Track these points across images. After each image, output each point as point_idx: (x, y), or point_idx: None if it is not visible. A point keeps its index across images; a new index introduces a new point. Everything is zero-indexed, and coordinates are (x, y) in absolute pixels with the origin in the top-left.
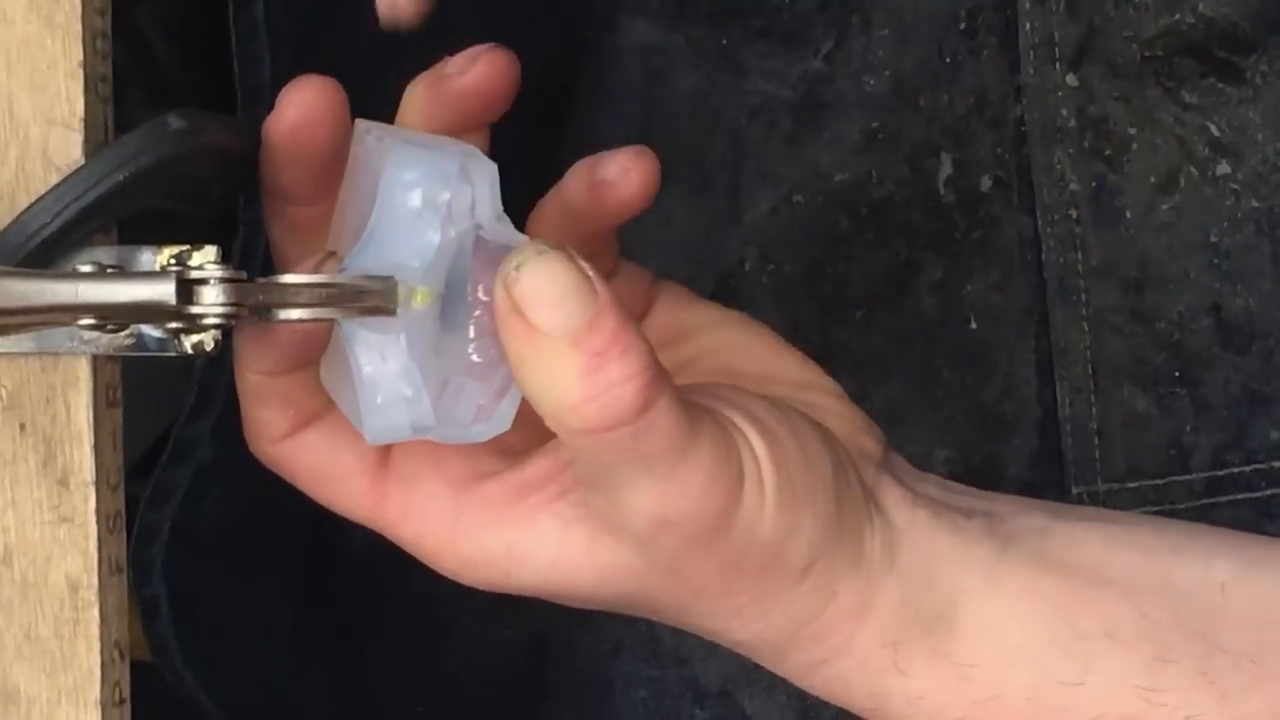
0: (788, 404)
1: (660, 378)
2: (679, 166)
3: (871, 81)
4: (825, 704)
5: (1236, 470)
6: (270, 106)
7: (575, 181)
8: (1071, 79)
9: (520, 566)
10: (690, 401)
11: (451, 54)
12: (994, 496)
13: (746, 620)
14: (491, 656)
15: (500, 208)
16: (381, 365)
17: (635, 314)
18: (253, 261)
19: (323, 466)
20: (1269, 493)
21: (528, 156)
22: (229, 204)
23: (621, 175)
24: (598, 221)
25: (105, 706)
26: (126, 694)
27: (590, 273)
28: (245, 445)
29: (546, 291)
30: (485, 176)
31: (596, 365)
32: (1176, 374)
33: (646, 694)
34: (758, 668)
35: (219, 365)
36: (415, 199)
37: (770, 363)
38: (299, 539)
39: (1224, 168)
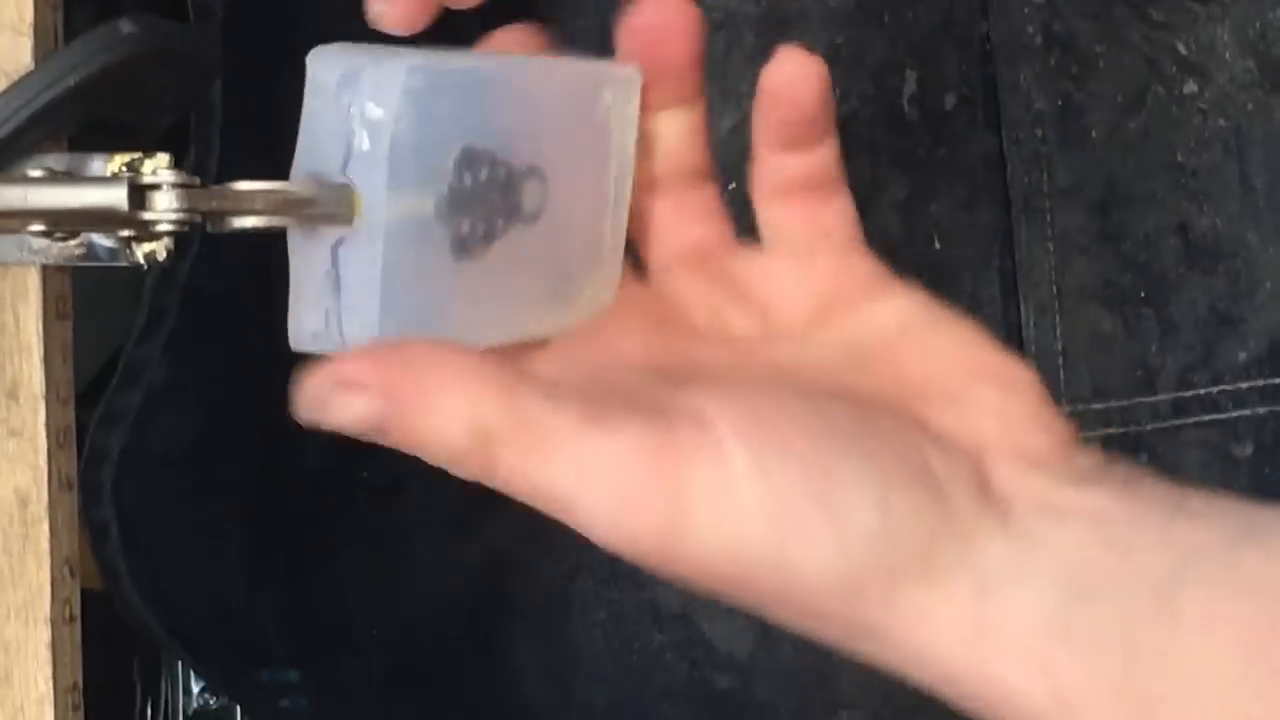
0: (839, 417)
1: (497, 434)
2: None
3: None
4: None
5: (1203, 391)
6: (220, 21)
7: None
8: None
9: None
10: (608, 420)
11: None
12: (1188, 493)
13: (816, 630)
14: (449, 577)
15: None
16: (306, 272)
17: (840, 299)
18: (205, 178)
19: None
20: (1236, 414)
21: None
22: (180, 114)
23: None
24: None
25: (55, 623)
26: (77, 612)
27: (384, 382)
28: (196, 366)
29: (354, 426)
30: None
31: (427, 453)
32: (1143, 294)
33: (605, 616)
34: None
35: (169, 285)
36: (327, 103)
37: (947, 361)
38: (251, 460)
39: (1191, 86)
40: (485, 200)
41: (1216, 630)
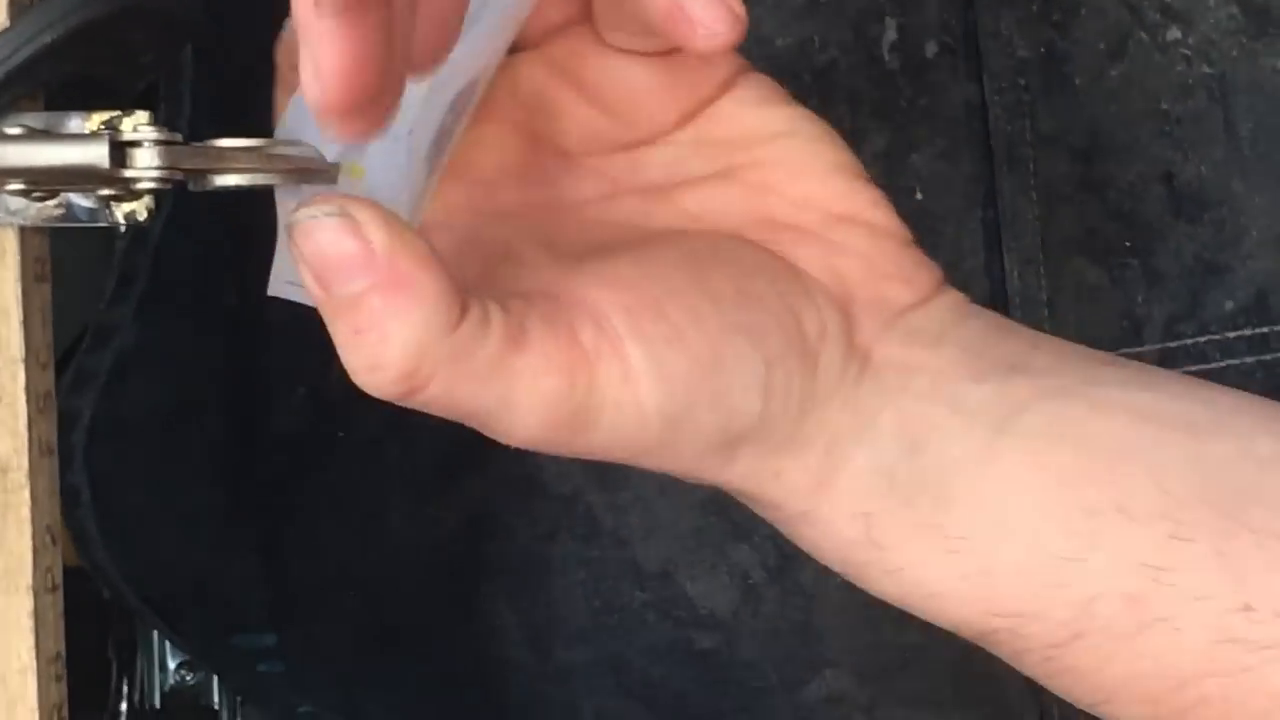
0: (714, 268)
1: (434, 362)
2: None
3: None
4: (768, 585)
5: (1190, 341)
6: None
7: None
8: None
9: None
10: (525, 337)
11: None
12: (1039, 343)
13: (687, 478)
14: (426, 539)
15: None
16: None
17: (700, 98)
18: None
19: None
20: (1223, 364)
21: None
22: (156, 72)
23: None
24: None
25: (38, 593)
26: (59, 580)
27: (378, 241)
28: (167, 328)
29: (317, 255)
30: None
31: (355, 343)
32: (1128, 244)
33: (585, 575)
34: (700, 547)
35: (140, 247)
36: None
37: (814, 188)
38: (224, 422)
39: (1174, 33)
40: (454, 120)
41: (1030, 473)
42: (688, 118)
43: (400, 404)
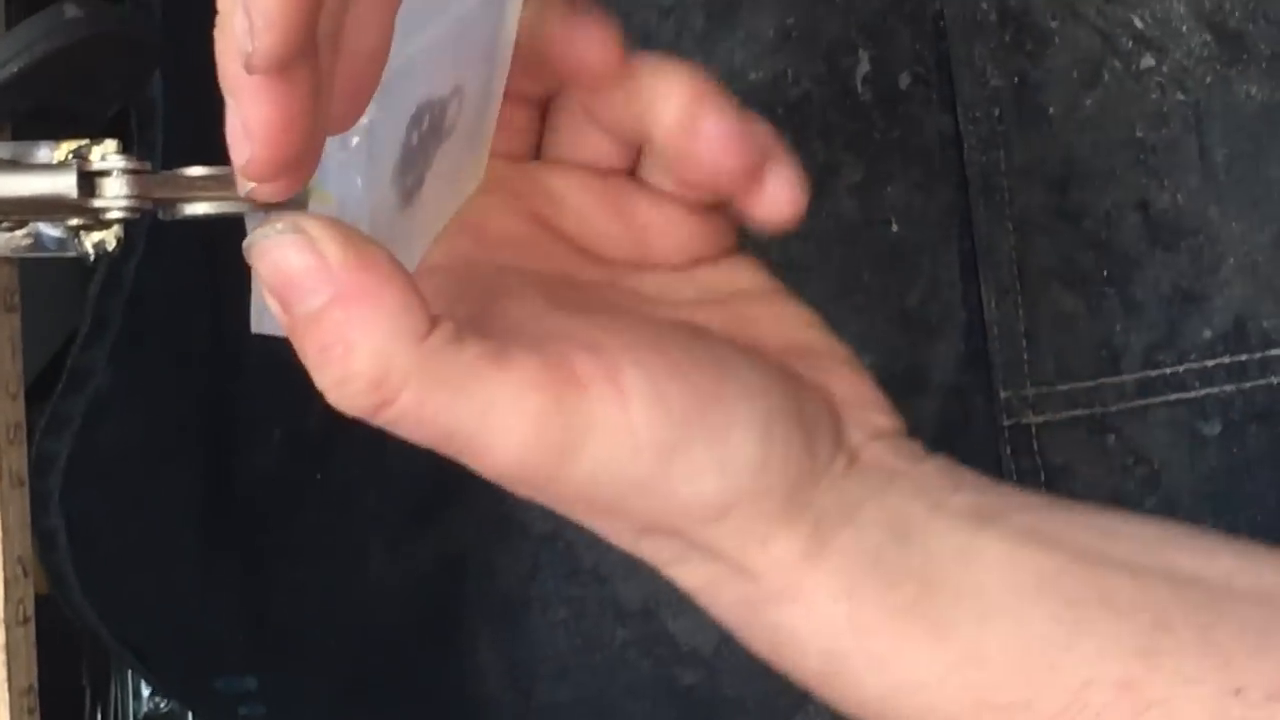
0: (726, 345)
1: (404, 368)
2: None
3: None
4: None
5: (1169, 370)
6: (160, 15)
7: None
8: None
9: None
10: (510, 357)
11: None
12: (1002, 483)
13: (657, 549)
14: (405, 580)
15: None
16: None
17: (718, 252)
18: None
19: None
20: (1203, 393)
21: None
22: (124, 99)
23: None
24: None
25: (9, 625)
26: (31, 612)
27: (333, 254)
28: (142, 370)
29: (275, 275)
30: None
31: (322, 360)
32: (1105, 273)
33: (567, 614)
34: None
35: (114, 289)
36: None
37: (798, 335)
38: (200, 464)
39: (1148, 60)
40: (424, 145)
41: (1011, 568)
42: (686, 266)
43: (376, 423)
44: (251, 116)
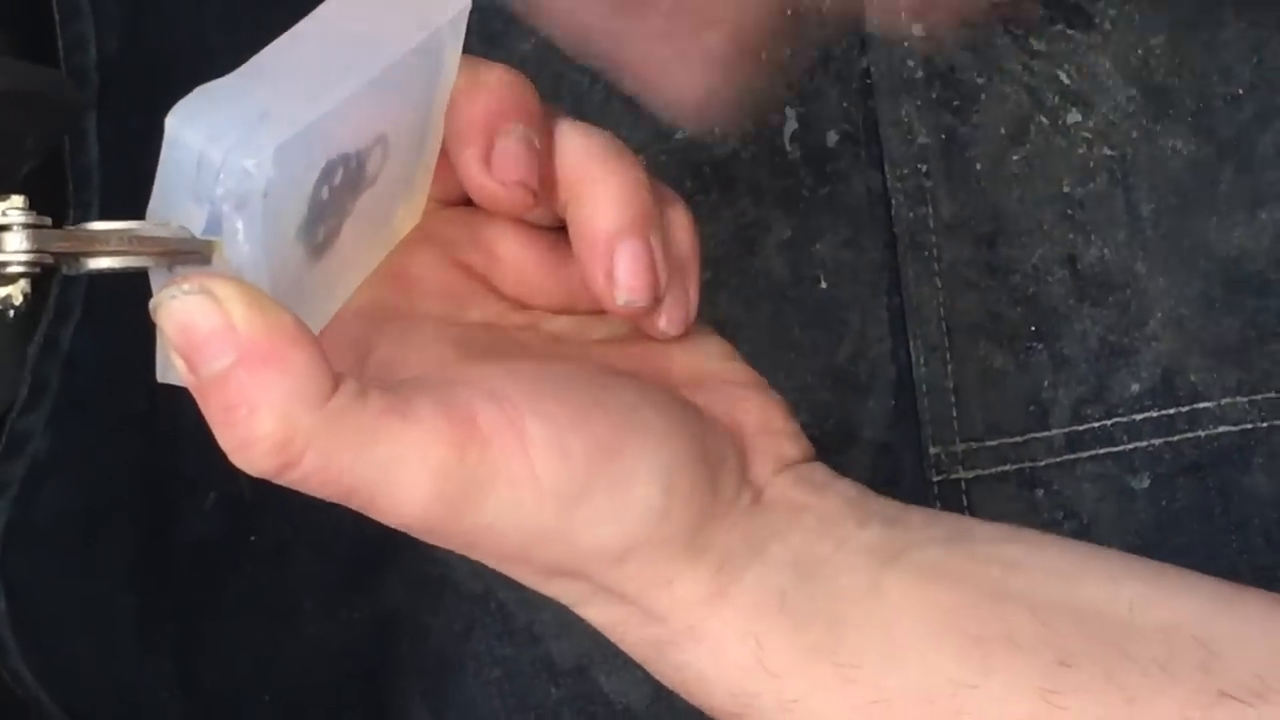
0: (625, 393)
1: (308, 431)
2: None
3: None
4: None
5: (1097, 425)
6: (95, 87)
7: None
8: (918, 29)
9: None
10: (412, 410)
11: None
12: (907, 508)
13: (564, 590)
14: (339, 640)
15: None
16: None
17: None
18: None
19: None
20: (1131, 446)
21: None
22: (40, 156)
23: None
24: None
25: None
26: None
27: (239, 316)
28: (80, 435)
29: (181, 335)
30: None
31: (226, 421)
32: (1033, 328)
33: (500, 674)
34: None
35: (51, 354)
36: (188, 164)
37: (708, 365)
38: (137, 528)
39: (1075, 116)
40: (338, 197)
41: (916, 607)
42: (574, 302)
43: (280, 482)
44: None
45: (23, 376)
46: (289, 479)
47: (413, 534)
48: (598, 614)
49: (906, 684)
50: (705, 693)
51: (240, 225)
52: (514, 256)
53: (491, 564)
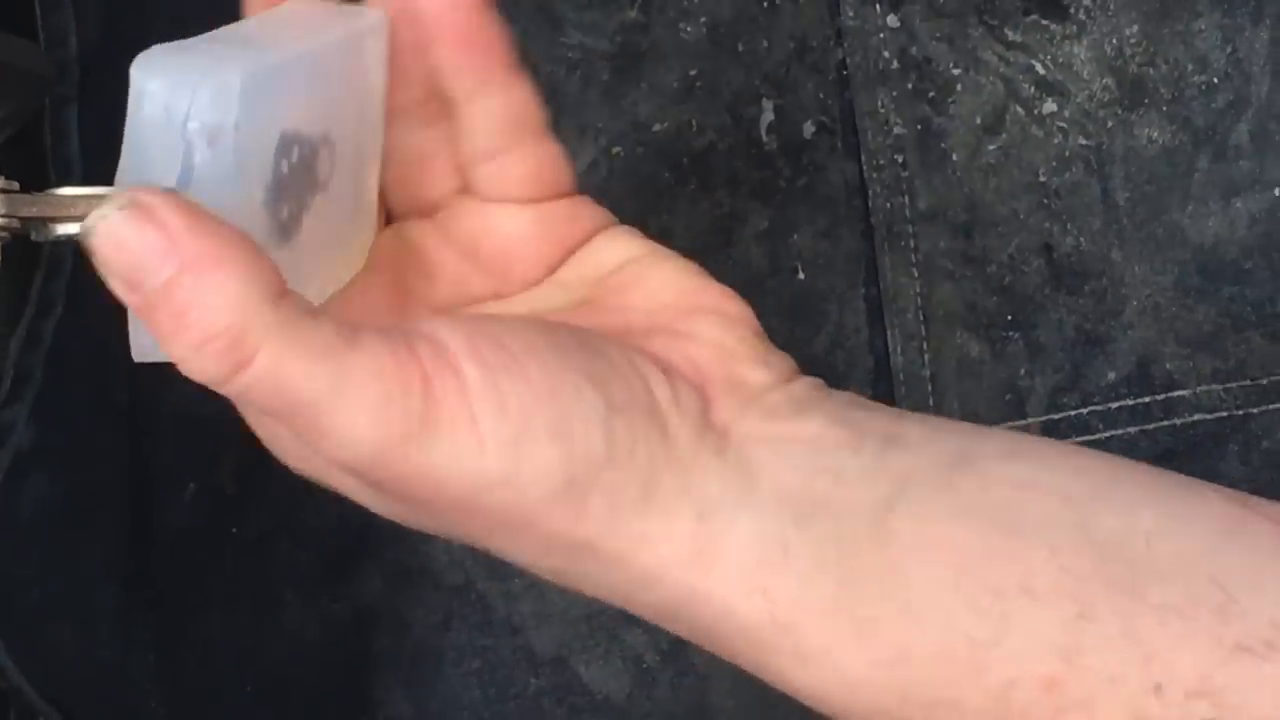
0: (563, 337)
1: (261, 328)
2: None
3: (688, 29)
4: (662, 668)
5: (1073, 413)
6: (76, 79)
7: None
8: (893, 20)
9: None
10: (359, 338)
11: None
12: (904, 419)
13: (539, 556)
14: (319, 632)
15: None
16: None
17: (567, 248)
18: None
19: None
20: (1107, 435)
21: None
22: (13, 127)
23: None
24: (422, 61)
25: None
26: None
27: (176, 223)
28: (63, 427)
29: (119, 255)
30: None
31: (177, 327)
32: (1009, 317)
33: (480, 664)
34: (593, 633)
35: (34, 347)
36: (155, 109)
37: (663, 291)
38: (119, 520)
39: (1050, 106)
40: (296, 181)
41: (928, 553)
42: (554, 268)
43: (229, 391)
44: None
45: (5, 369)
46: (239, 386)
47: (359, 474)
48: (594, 584)
49: (925, 641)
50: (727, 649)
51: (213, 157)
52: (438, 260)
53: (450, 526)
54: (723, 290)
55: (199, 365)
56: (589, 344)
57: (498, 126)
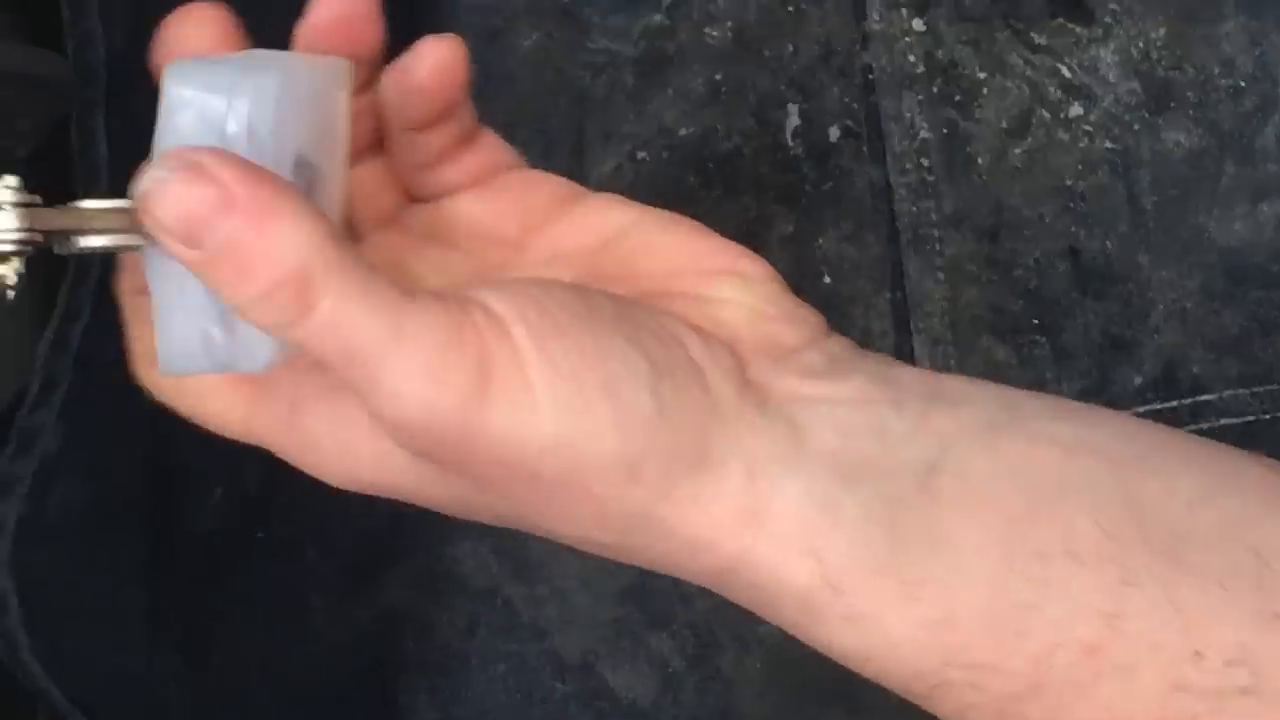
0: (604, 300)
1: (325, 272)
2: (522, 128)
3: (714, 33)
4: (688, 673)
5: None
6: (104, 84)
7: (385, 81)
8: (918, 24)
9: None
10: (416, 294)
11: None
12: (945, 379)
13: (591, 528)
14: (345, 636)
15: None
16: (179, 299)
17: (529, 208)
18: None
19: (198, 382)
20: None
21: None
22: (37, 138)
23: (416, 61)
24: (403, 114)
25: None
26: None
27: (230, 177)
28: (90, 431)
29: (178, 213)
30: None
31: (243, 281)
32: (1035, 321)
33: (506, 669)
34: (619, 637)
35: (61, 351)
36: (189, 115)
37: (678, 256)
38: (147, 523)
39: (1076, 109)
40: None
41: (974, 514)
42: (529, 231)
43: (292, 340)
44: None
45: (33, 374)
46: (303, 332)
47: (411, 439)
48: (646, 555)
49: (970, 604)
50: (773, 612)
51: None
52: (458, 212)
53: (501, 500)
54: (738, 249)
55: (263, 313)
56: (621, 305)
57: (439, 147)
